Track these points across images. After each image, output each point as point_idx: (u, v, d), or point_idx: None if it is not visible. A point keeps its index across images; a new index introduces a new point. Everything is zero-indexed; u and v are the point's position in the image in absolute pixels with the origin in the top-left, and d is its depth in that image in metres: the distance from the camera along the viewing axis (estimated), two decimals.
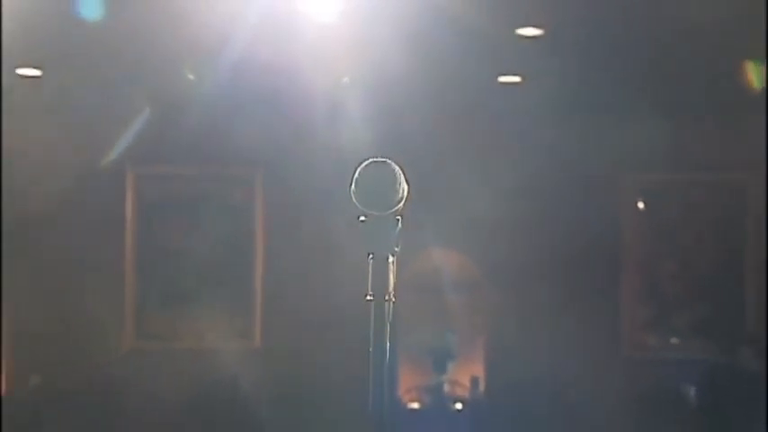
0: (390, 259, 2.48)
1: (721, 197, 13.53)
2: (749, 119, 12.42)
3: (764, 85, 11.39)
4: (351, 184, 2.46)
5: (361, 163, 2.48)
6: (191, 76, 11.31)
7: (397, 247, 2.50)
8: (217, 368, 12.43)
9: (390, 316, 2.45)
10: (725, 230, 13.59)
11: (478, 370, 13.46)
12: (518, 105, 12.06)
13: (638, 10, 9.45)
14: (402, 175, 2.47)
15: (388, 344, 2.41)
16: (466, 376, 13.42)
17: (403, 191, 2.46)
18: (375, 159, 2.49)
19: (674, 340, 13.51)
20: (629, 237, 13.71)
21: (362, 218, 2.44)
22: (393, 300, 2.47)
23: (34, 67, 11.21)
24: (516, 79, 11.72)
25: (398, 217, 2.49)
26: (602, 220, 13.22)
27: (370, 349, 2.43)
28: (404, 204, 2.50)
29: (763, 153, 12.61)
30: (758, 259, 13.33)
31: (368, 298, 2.45)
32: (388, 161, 2.49)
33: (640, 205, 13.63)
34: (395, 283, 2.48)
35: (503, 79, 11.70)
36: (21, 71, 11.24)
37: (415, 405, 13.10)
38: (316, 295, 12.07)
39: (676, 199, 13.70)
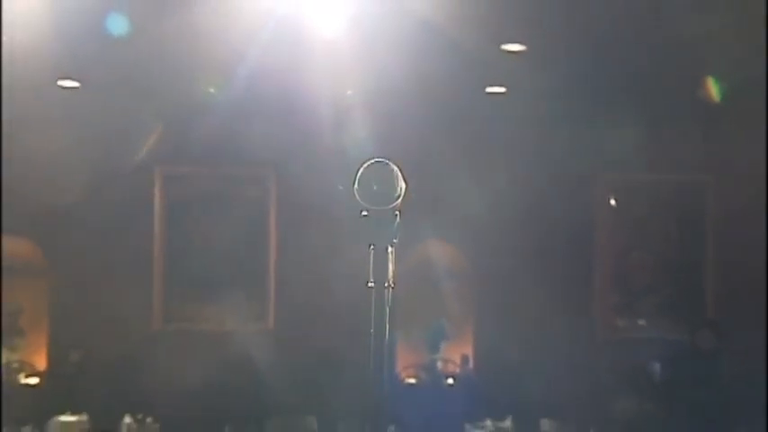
0: (389, 250, 2.53)
1: (683, 196, 13.56)
2: (709, 128, 12.50)
3: (722, 98, 11.49)
4: (354, 183, 2.54)
5: (363, 163, 2.56)
6: (211, 90, 11.38)
7: (396, 239, 2.55)
8: (235, 348, 12.31)
9: (389, 301, 2.51)
10: (686, 226, 13.60)
11: (468, 350, 13.40)
12: (503, 113, 12.09)
13: (612, 30, 9.43)
14: (400, 175, 2.55)
15: (387, 326, 2.46)
16: (457, 355, 13.39)
17: (401, 189, 2.54)
18: (376, 160, 2.57)
19: (641, 322, 13.52)
20: (602, 231, 13.69)
21: (364, 213, 2.50)
22: (392, 286, 2.53)
23: (73, 80, 11.17)
24: (501, 90, 11.69)
25: (397, 212, 2.54)
26: (578, 216, 13.24)
27: (372, 330, 2.50)
28: (401, 201, 2.55)
29: (719, 158, 12.72)
30: (716, 251, 13.36)
31: (369, 285, 2.52)
32: (388, 162, 2.57)
33: (612, 202, 13.62)
34: (394, 272, 2.54)
35: (489, 90, 11.68)
36: (61, 83, 11.22)
37: (412, 380, 13.06)
38: (322, 283, 12.04)
39: (644, 197, 13.69)
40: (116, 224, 12.52)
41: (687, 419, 9.99)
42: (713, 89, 11.43)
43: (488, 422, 10.25)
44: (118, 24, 8.82)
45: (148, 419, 10.37)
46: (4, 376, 12.91)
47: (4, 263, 13.09)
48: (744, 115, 11.94)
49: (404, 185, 2.54)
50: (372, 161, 2.55)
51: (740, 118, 12.03)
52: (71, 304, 12.87)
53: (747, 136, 12.14)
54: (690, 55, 10.25)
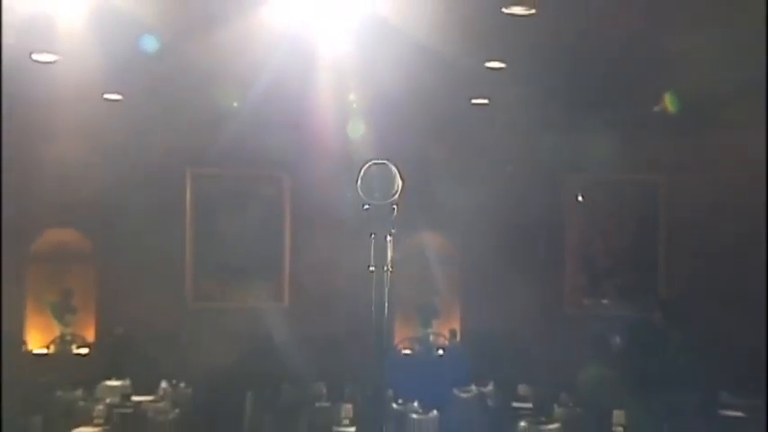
0: (388, 238, 2.51)
1: (640, 194, 13.59)
2: (662, 135, 12.49)
3: (678, 109, 11.51)
4: (357, 180, 2.52)
5: (365, 164, 2.54)
6: (235, 104, 11.42)
7: (393, 229, 2.52)
8: (255, 323, 12.40)
9: (388, 282, 2.49)
10: (643, 219, 13.62)
11: (455, 325, 13.38)
12: (485, 121, 12.09)
13: (579, 50, 9.40)
14: (397, 173, 2.53)
15: (386, 304, 2.44)
16: (446, 330, 13.37)
17: (398, 185, 2.52)
18: (376, 161, 2.54)
19: (604, 301, 13.56)
20: (570, 223, 13.75)
21: (366, 206, 2.48)
22: (390, 270, 2.50)
23: (117, 93, 11.14)
24: (484, 101, 11.60)
25: (394, 206, 2.51)
26: (550, 211, 13.28)
27: (372, 308, 2.47)
28: (398, 196, 2.53)
29: (671, 161, 12.73)
30: (668, 242, 13.43)
31: (370, 269, 2.50)
32: (387, 162, 2.55)
33: (579, 198, 13.62)
34: (391, 257, 2.51)
35: (474, 101, 11.60)
36: (107, 96, 11.18)
37: (408, 351, 13.05)
38: (330, 267, 12.04)
39: (607, 195, 13.70)
40: (154, 217, 12.44)
41: (641, 384, 10.00)
42: (669, 103, 11.44)
43: (473, 387, 10.21)
44: (152, 45, 8.79)
45: (182, 384, 10.34)
46: (59, 347, 13.03)
47: (59, 252, 13.23)
48: (692, 124, 11.94)
49: (400, 183, 2.52)
50: (373, 162, 2.53)
51: (689, 127, 12.01)
52: (115, 286, 12.90)
53: (695, 143, 12.19)
54: (648, 71, 10.29)
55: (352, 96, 10.15)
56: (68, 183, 12.31)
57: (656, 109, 11.90)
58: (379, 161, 2.55)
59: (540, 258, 12.92)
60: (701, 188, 12.78)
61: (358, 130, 10.35)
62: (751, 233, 12.63)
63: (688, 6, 8.22)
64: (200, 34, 8.41)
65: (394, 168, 2.53)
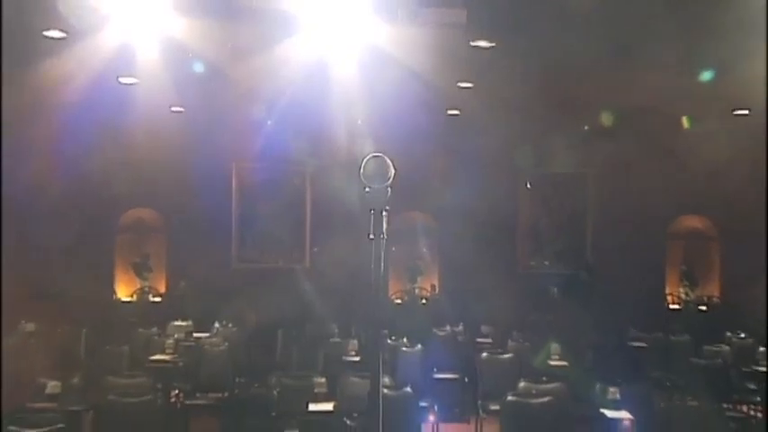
0: (383, 214, 2.43)
1: (573, 183, 13.54)
2: (590, 140, 12.40)
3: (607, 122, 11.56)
4: (360, 169, 2.46)
5: (367, 157, 2.48)
6: (269, 133, 11.46)
7: (388, 206, 2.44)
8: (284, 279, 12.41)
9: (384, 248, 2.39)
10: (574, 202, 13.54)
11: (435, 281, 13.40)
12: (458, 128, 11.99)
13: (528, 73, 9.36)
14: (391, 164, 2.47)
15: (382, 264, 2.35)
16: (428, 284, 13.37)
17: (391, 174, 2.46)
18: (374, 155, 2.48)
19: (546, 262, 13.53)
20: (522, 205, 13.65)
21: (367, 189, 2.41)
22: (385, 238, 2.42)
23: (180, 106, 11.07)
24: (457, 112, 11.55)
25: (389, 188, 2.44)
26: (508, 196, 13.23)
27: (372, 267, 2.38)
28: (391, 181, 2.48)
29: (595, 160, 12.78)
30: (592, 220, 13.39)
31: (370, 237, 2.42)
32: (382, 155, 2.49)
33: (528, 186, 13.54)
34: (387, 228, 2.44)
35: (449, 112, 11.54)
36: (173, 108, 11.10)
37: (399, 300, 12.99)
38: (340, 236, 11.95)
39: (548, 184, 13.61)
40: (208, 199, 12.43)
41: (573, 323, 10.01)
42: (604, 116, 11.44)
43: (447, 327, 10.10)
44: (203, 67, 8.75)
45: (229, 325, 10.23)
46: (139, 296, 13.12)
47: (139, 226, 13.34)
48: (611, 134, 11.84)
49: (393, 172, 2.47)
50: (372, 155, 2.50)
51: (609, 135, 11.88)
52: (180, 251, 12.94)
53: (611, 146, 12.02)
54: (579, 94, 10.26)
55: (359, 121, 10.10)
56: (146, 174, 12.27)
57: (586, 127, 12.03)
58: (377, 154, 2.50)
59: (500, 231, 12.83)
60: (617, 180, 12.83)
61: (361, 134, 10.25)
62: (653, 213, 12.78)
63: (614, 41, 8.15)
64: (242, 61, 8.40)
65: (388, 160, 2.48)
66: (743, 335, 9.72)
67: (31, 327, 9.83)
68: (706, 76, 9.13)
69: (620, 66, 9.06)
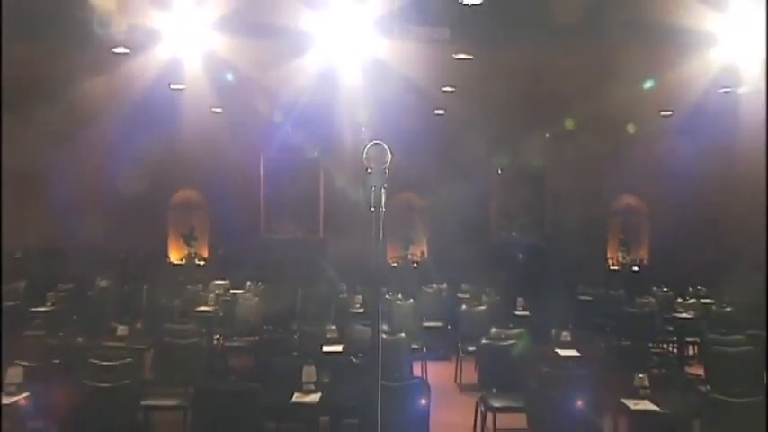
0: (382, 191, 2.33)
1: (535, 176, 13.30)
2: (548, 141, 12.34)
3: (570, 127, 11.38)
4: (363, 154, 2.37)
5: (368, 144, 2.39)
6: (289, 130, 11.37)
7: (386, 185, 2.34)
8: (301, 247, 12.40)
9: (382, 219, 2.29)
10: (537, 190, 13.37)
11: (424, 248, 13.29)
12: (442, 126, 11.78)
13: (501, 80, 9.24)
14: (388, 150, 2.38)
15: (381, 233, 2.25)
16: (418, 251, 13.25)
17: (388, 158, 2.36)
18: (374, 142, 2.40)
19: (513, 234, 13.36)
20: (494, 188, 13.41)
21: (369, 170, 2.30)
22: (383, 210, 2.33)
23: (219, 107, 10.93)
24: (442, 112, 11.35)
25: (386, 170, 2.34)
26: (483, 180, 12.94)
27: (373, 235, 2.29)
28: (388, 164, 2.38)
29: (552, 158, 12.71)
30: (550, 202, 13.26)
31: (371, 209, 2.32)
32: (381, 143, 2.40)
33: (499, 172, 13.28)
34: (385, 202, 2.35)
35: (436, 111, 11.33)
36: (214, 109, 10.96)
37: (395, 264, 12.83)
38: (347, 211, 11.90)
39: (515, 171, 13.29)
40: (241, 183, 12.45)
41: (535, 281, 9.96)
42: (569, 123, 11.29)
43: (434, 285, 10.03)
44: (236, 75, 8.63)
45: (259, 283, 10.12)
46: (187, 260, 13.02)
47: (187, 204, 13.18)
48: (569, 136, 11.69)
49: (390, 156, 2.36)
50: (372, 143, 2.40)
51: (567, 138, 11.75)
52: (219, 225, 12.82)
53: (568, 147, 11.94)
54: (544, 102, 10.19)
55: (363, 129, 9.95)
56: (192, 163, 12.07)
57: (547, 135, 11.93)
58: (376, 142, 2.40)
59: (476, 209, 12.67)
60: (567, 171, 12.62)
61: (364, 128, 10.10)
62: (598, 195, 12.72)
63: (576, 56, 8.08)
64: (268, 70, 8.23)
65: (386, 147, 2.39)
66: (665, 289, 9.81)
67: (104, 283, 9.89)
68: (647, 84, 9.01)
69: (577, 77, 8.99)
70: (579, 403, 4.09)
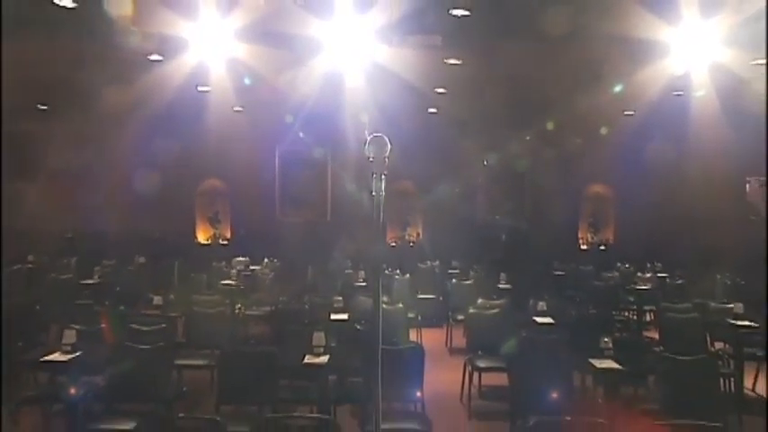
0: (382, 177, 2.21)
1: (517, 173, 13.14)
2: (527, 142, 12.27)
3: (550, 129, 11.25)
4: (365, 145, 2.24)
5: (370, 136, 2.26)
6: (300, 127, 11.32)
7: (386, 171, 2.23)
8: (312, 229, 12.29)
9: (383, 203, 2.18)
10: (516, 182, 13.19)
11: (419, 230, 13.22)
12: (435, 123, 11.64)
13: (487, 83, 9.17)
14: (387, 141, 2.24)
15: (381, 215, 2.13)
16: (414, 233, 13.19)
17: (387, 148, 2.23)
18: (375, 134, 2.25)
19: (497, 218, 13.23)
20: (481, 183, 13.23)
21: (370, 159, 2.17)
22: (383, 194, 2.21)
23: (240, 107, 10.83)
24: (435, 110, 11.22)
25: (386, 159, 2.20)
26: (471, 170, 12.78)
27: (373, 217, 2.17)
28: (388, 154, 2.24)
29: (533, 158, 12.59)
30: (530, 193, 13.17)
31: (372, 193, 2.19)
32: (381, 134, 2.25)
33: (485, 163, 13.13)
34: (385, 187, 2.25)
35: (429, 110, 11.20)
36: (236, 108, 10.88)
37: (394, 244, 12.82)
38: (352, 197, 11.89)
39: (499, 171, 13.12)
40: (259, 173, 12.31)
41: (515, 258, 9.97)
42: (547, 121, 11.16)
43: (428, 262, 10.04)
44: (255, 78, 8.54)
45: (275, 260, 10.15)
46: (213, 240, 12.98)
47: (212, 191, 13.06)
48: (547, 133, 11.53)
49: (389, 147, 2.23)
50: (374, 134, 2.29)
51: (545, 134, 11.60)
52: (240, 209, 12.75)
53: (545, 142, 11.83)
54: (526, 105, 10.15)
55: (365, 118, 9.85)
56: (216, 155, 11.97)
57: (527, 131, 11.84)
58: (377, 134, 2.27)
59: (465, 195, 12.61)
60: (545, 164, 12.48)
61: (366, 125, 9.98)
62: (571, 183, 12.67)
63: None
64: (282, 73, 8.13)
65: (386, 138, 2.25)
66: (627, 265, 9.86)
67: (142, 260, 9.99)
68: (616, 88, 8.98)
69: (554, 82, 8.94)
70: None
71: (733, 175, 11.18)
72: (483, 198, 13.50)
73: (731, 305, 5.71)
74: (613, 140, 11.78)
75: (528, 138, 12.29)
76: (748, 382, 5.27)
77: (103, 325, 5.22)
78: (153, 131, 11.02)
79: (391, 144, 2.38)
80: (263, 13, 6.55)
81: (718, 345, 5.80)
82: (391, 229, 13.04)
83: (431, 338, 7.25)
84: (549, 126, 11.47)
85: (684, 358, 3.96)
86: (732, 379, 4.91)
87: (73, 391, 3.87)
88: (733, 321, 5.38)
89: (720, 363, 4.94)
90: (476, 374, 5.24)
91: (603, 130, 11.50)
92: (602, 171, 12.70)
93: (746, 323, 5.30)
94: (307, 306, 6.41)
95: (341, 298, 6.19)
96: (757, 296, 6.16)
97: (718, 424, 2.87)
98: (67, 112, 10.28)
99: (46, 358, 4.17)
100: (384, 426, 2.17)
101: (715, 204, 10.93)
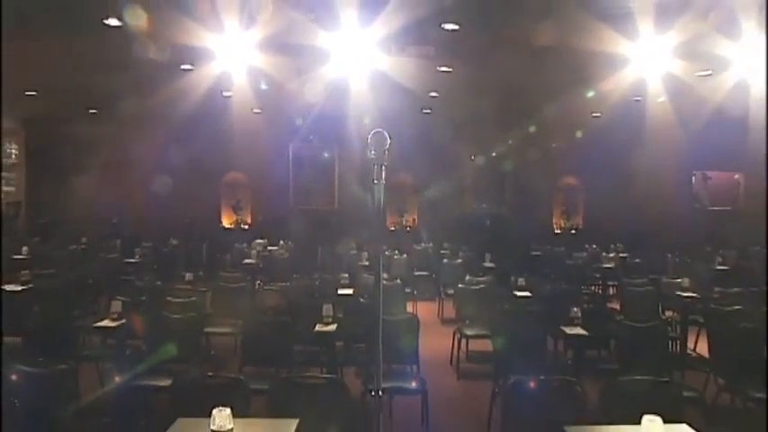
0: (383, 168, 2.17)
1: (503, 170, 12.96)
2: (511, 141, 12.18)
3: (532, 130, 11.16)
4: (368, 140, 2.18)
5: (371, 132, 2.23)
6: (310, 126, 11.20)
7: (386, 163, 2.20)
8: (321, 215, 12.26)
9: (383, 191, 2.14)
10: (499, 174, 13.03)
11: (415, 216, 13.15)
12: (429, 122, 11.50)
13: (475, 89, 9.08)
14: (388, 137, 2.17)
15: (382, 202, 2.08)
16: (410, 219, 13.13)
17: (387, 142, 2.17)
18: (376, 130, 2.20)
19: (483, 205, 13.16)
20: (469, 170, 13.02)
21: (372, 152, 2.12)
22: (383, 183, 2.15)
23: (258, 108, 10.73)
24: (428, 111, 11.09)
25: (386, 152, 2.15)
26: (459, 164, 12.67)
27: (374, 204, 2.13)
28: (388, 147, 2.18)
29: (514, 151, 12.48)
30: (512, 186, 13.03)
31: (374, 182, 2.14)
32: (382, 130, 2.19)
33: (472, 158, 12.96)
34: (385, 178, 2.21)
35: (424, 111, 11.06)
36: (254, 110, 10.78)
37: (392, 228, 12.77)
38: (355, 186, 11.88)
39: (484, 165, 12.96)
40: (275, 166, 12.31)
41: (499, 241, 9.96)
42: (527, 123, 11.08)
43: (423, 244, 10.05)
44: (271, 83, 8.44)
45: (289, 242, 10.15)
46: (236, 225, 12.94)
47: (235, 182, 12.96)
48: (527, 133, 11.47)
49: (389, 141, 2.18)
50: (375, 131, 2.23)
51: (525, 134, 11.53)
52: (258, 198, 12.76)
53: (525, 140, 11.71)
54: (512, 109, 10.09)
55: (366, 119, 9.75)
56: (238, 152, 11.85)
57: (510, 130, 11.74)
58: (378, 130, 2.21)
59: (454, 186, 12.50)
60: (527, 158, 12.30)
61: (368, 123, 9.85)
62: (546, 175, 12.63)
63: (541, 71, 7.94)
64: (294, 79, 8.03)
65: (386, 133, 2.18)
66: (594, 246, 9.87)
67: (175, 242, 10.02)
68: (588, 93, 8.98)
69: (534, 89, 8.89)
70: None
71: (681, 170, 11.57)
72: (471, 189, 13.46)
73: (679, 280, 5.79)
74: (583, 139, 11.84)
75: (510, 137, 12.23)
76: (691, 343, 5.38)
77: (143, 298, 5.28)
78: (184, 131, 11.01)
79: (391, 139, 2.37)
80: (279, 26, 6.49)
81: (669, 313, 5.86)
82: (390, 216, 13.02)
83: (425, 310, 7.28)
84: (529, 126, 11.43)
85: (640, 325, 4.04)
86: (678, 341, 5.03)
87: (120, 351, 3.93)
88: (680, 293, 5.46)
89: (669, 328, 5.03)
90: (464, 341, 5.27)
91: (575, 130, 11.59)
92: (573, 166, 12.73)
93: (691, 294, 5.41)
94: (317, 282, 6.42)
95: (347, 275, 6.20)
96: (699, 272, 6.57)
97: (666, 379, 2.96)
98: (113, 116, 10.40)
99: (98, 324, 4.24)
100: (384, 384, 2.19)
101: (666, 194, 11.27)
